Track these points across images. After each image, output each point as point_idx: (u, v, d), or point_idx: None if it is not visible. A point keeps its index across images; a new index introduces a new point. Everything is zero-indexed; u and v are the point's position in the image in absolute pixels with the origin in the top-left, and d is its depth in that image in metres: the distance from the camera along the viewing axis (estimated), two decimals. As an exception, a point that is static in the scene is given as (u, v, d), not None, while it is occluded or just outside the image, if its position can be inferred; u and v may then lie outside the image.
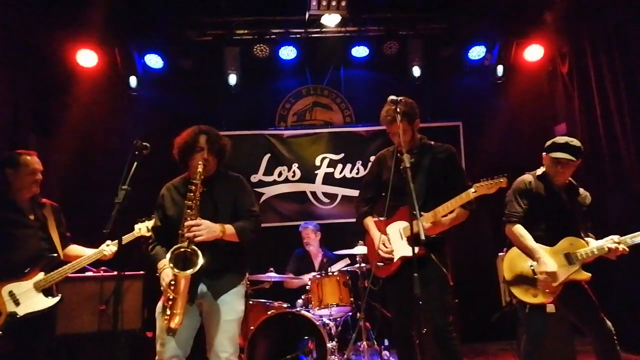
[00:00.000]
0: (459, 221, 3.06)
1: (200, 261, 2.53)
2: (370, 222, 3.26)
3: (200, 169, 2.70)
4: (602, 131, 5.21)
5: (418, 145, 3.16)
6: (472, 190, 2.87)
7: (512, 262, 3.13)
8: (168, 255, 2.56)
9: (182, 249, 2.57)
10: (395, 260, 3.05)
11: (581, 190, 3.22)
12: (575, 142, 3.07)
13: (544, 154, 3.15)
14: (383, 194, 3.21)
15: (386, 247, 3.08)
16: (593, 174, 5.20)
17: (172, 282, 2.59)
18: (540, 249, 3.01)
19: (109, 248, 3.31)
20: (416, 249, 2.96)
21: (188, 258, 2.57)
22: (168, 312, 2.58)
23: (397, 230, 3.09)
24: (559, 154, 3.02)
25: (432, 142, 3.21)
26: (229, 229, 2.71)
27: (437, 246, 2.98)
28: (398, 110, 2.87)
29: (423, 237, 2.46)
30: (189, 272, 2.54)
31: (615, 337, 2.93)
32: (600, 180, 5.17)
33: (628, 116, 4.89)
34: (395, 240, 3.08)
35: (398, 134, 3.03)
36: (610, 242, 2.94)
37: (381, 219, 3.21)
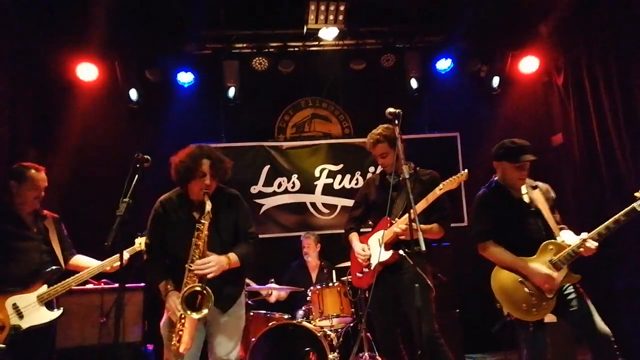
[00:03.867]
0: (434, 235, 3.21)
1: (212, 300, 2.56)
2: (354, 236, 3.43)
3: (208, 208, 2.65)
4: (598, 141, 5.26)
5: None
6: (438, 188, 3.07)
7: (501, 284, 2.98)
8: (181, 296, 2.57)
9: (195, 289, 2.58)
10: (374, 266, 3.15)
11: (539, 184, 3.15)
12: (524, 141, 3.04)
13: (495, 162, 3.10)
14: (372, 212, 3.43)
15: (364, 252, 3.24)
16: (590, 185, 5.24)
17: (182, 317, 2.59)
18: (522, 260, 2.93)
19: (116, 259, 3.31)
20: (389, 254, 3.13)
21: (198, 296, 2.59)
22: (176, 339, 2.59)
23: (376, 239, 3.19)
24: (528, 156, 2.96)
25: (418, 168, 3.36)
26: (233, 258, 2.75)
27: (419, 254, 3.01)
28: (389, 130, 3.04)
29: (423, 247, 2.50)
30: (203, 314, 2.56)
31: (614, 344, 2.81)
32: (597, 191, 5.19)
33: (624, 126, 4.94)
34: (374, 249, 3.18)
35: (381, 156, 3.29)
36: (580, 240, 2.88)
37: (367, 230, 3.41)
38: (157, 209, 2.86)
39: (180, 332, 2.58)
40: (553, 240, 2.97)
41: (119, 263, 3.22)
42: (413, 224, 2.58)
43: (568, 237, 2.99)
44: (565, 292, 2.93)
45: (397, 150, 2.86)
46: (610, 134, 5.10)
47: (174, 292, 2.67)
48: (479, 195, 3.14)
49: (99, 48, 5.45)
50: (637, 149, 4.81)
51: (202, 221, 2.65)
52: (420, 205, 3.07)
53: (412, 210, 2.59)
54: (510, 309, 2.94)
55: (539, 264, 2.90)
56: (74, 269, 3.35)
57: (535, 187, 3.12)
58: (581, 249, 2.86)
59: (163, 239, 2.81)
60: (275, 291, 4.95)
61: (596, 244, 2.86)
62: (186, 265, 2.61)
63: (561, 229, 3.06)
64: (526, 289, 2.89)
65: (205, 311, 2.56)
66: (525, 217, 3.03)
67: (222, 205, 2.83)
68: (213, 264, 2.62)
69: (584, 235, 2.90)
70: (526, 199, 3.07)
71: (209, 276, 2.60)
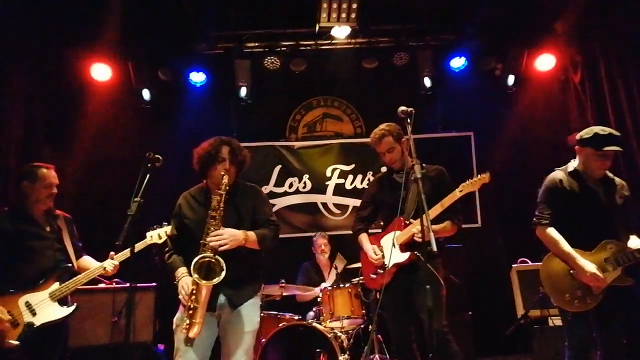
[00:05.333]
0: (447, 233, 3.16)
1: (224, 272, 2.55)
2: (364, 237, 3.39)
3: (225, 180, 2.72)
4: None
5: (410, 165, 3.17)
6: (458, 190, 2.99)
7: (550, 269, 2.97)
8: (192, 265, 2.57)
9: (206, 259, 2.59)
10: (389, 267, 3.11)
11: (617, 180, 3.04)
12: (615, 131, 2.92)
13: (578, 146, 2.98)
14: (381, 212, 3.38)
15: (376, 255, 3.20)
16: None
17: (194, 291, 2.60)
18: (577, 254, 2.86)
19: (110, 263, 3.32)
20: (406, 256, 3.09)
21: (211, 268, 2.59)
22: (187, 322, 2.59)
23: (390, 239, 3.14)
24: (614, 147, 2.84)
25: (424, 164, 3.27)
26: (252, 235, 2.74)
27: (430, 256, 2.93)
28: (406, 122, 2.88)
29: (435, 248, 2.46)
30: (215, 281, 2.56)
31: (624, 353, 2.80)
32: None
33: (642, 125, 4.85)
34: (388, 250, 3.13)
35: (388, 152, 3.26)
36: None
37: (378, 231, 3.36)
38: (179, 202, 2.92)
39: (191, 318, 2.58)
40: (614, 240, 2.89)
41: (118, 264, 3.29)
42: (425, 224, 2.53)
43: (634, 242, 2.90)
44: (618, 298, 2.84)
45: (410, 149, 2.83)
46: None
47: (187, 276, 2.67)
48: (551, 177, 3.03)
49: (113, 48, 5.51)
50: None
51: (219, 191, 2.69)
52: (435, 210, 3.01)
53: (424, 213, 2.54)
54: (553, 295, 2.94)
55: (592, 262, 2.83)
56: (79, 270, 3.37)
57: (613, 182, 3.02)
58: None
59: (184, 232, 2.82)
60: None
61: None
62: (201, 241, 2.63)
63: (630, 233, 2.94)
64: (575, 282, 2.85)
65: (216, 279, 2.54)
66: (594, 209, 2.93)
67: (241, 195, 2.87)
68: (226, 235, 2.62)
69: None
70: (601, 191, 2.96)
71: (222, 248, 2.59)
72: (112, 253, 3.31)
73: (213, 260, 2.57)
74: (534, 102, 6.07)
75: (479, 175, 2.98)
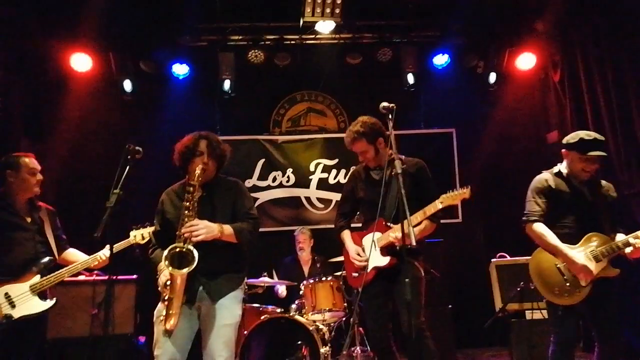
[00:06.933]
0: (427, 233, 3.16)
1: (196, 260, 2.54)
2: (346, 235, 3.37)
3: (198, 171, 2.71)
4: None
5: (389, 160, 3.18)
6: (439, 201, 2.98)
7: (538, 264, 3.04)
8: (164, 254, 2.57)
9: (177, 249, 2.58)
10: (369, 270, 3.11)
11: (603, 182, 3.15)
12: (599, 136, 3.03)
13: (564, 150, 3.09)
14: (361, 208, 3.35)
15: (360, 257, 3.18)
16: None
17: (168, 282, 2.60)
18: (565, 246, 2.95)
19: (102, 253, 3.29)
20: (387, 260, 3.08)
21: (184, 257, 2.58)
22: (164, 313, 2.60)
23: (371, 240, 3.13)
24: (597, 152, 2.96)
25: (403, 157, 3.22)
26: (227, 229, 2.73)
27: (412, 252, 2.94)
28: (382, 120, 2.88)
29: (414, 243, 2.49)
30: (185, 270, 2.55)
31: (622, 350, 2.87)
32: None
33: (619, 123, 4.95)
34: (368, 251, 3.14)
35: (362, 153, 3.20)
36: (633, 237, 2.87)
37: (360, 225, 3.35)
38: (162, 198, 2.92)
39: (167, 310, 2.58)
40: (598, 233, 2.98)
41: (107, 256, 3.26)
42: (407, 231, 2.53)
43: (620, 238, 2.98)
44: (606, 289, 2.92)
45: (390, 145, 2.83)
46: (605, 131, 5.09)
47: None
48: (538, 178, 3.14)
49: (94, 38, 5.42)
50: (631, 146, 4.82)
51: (191, 182, 2.70)
52: (415, 219, 3.00)
53: (405, 218, 2.55)
54: (542, 290, 3.01)
55: (580, 253, 2.92)
56: (65, 263, 3.34)
57: (599, 184, 3.13)
58: (626, 247, 2.87)
59: (167, 228, 2.82)
60: (282, 287, 4.98)
61: None
62: (177, 233, 2.63)
63: (616, 230, 3.03)
64: (562, 275, 2.93)
65: (186, 269, 2.54)
66: (580, 207, 3.03)
67: (221, 189, 2.88)
68: (201, 226, 2.62)
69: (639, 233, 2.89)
70: (586, 191, 3.07)
71: (195, 239, 2.58)
72: (107, 245, 3.28)
73: (184, 249, 2.57)
74: (515, 100, 6.18)
75: (460, 190, 2.98)
